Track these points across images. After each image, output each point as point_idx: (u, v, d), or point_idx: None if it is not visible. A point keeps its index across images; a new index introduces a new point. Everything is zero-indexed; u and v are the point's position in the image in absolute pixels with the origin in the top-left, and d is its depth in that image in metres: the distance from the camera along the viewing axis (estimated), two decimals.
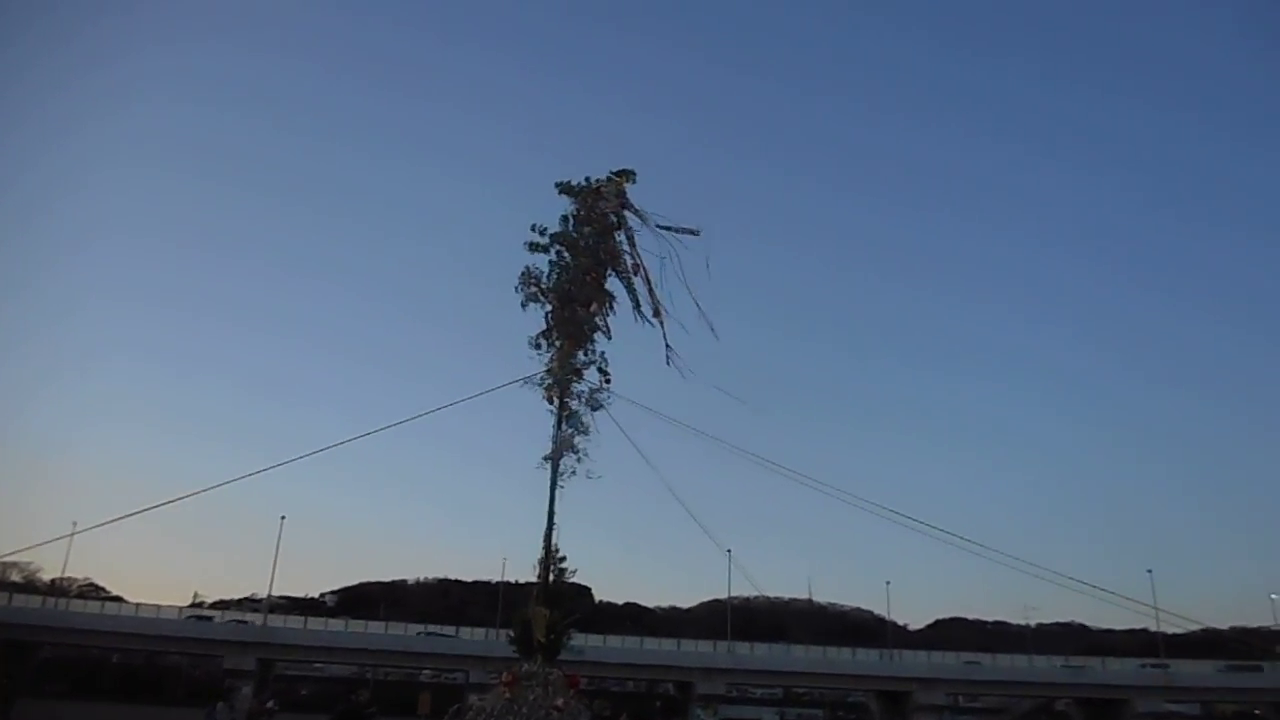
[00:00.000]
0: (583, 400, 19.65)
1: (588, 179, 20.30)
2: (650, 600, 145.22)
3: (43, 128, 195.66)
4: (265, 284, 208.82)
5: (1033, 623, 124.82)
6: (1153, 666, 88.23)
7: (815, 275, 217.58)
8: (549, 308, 19.92)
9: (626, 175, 20.53)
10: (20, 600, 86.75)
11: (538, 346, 19.92)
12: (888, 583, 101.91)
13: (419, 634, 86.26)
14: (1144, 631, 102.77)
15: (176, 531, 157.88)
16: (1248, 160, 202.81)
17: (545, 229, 20.29)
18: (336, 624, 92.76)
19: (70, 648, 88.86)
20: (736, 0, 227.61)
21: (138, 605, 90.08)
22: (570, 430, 19.18)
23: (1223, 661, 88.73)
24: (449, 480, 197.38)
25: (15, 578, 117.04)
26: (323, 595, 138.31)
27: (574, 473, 19.04)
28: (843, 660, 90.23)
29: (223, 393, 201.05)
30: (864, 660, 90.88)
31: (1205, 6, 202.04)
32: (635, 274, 19.98)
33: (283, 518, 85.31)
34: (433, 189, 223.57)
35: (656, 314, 19.93)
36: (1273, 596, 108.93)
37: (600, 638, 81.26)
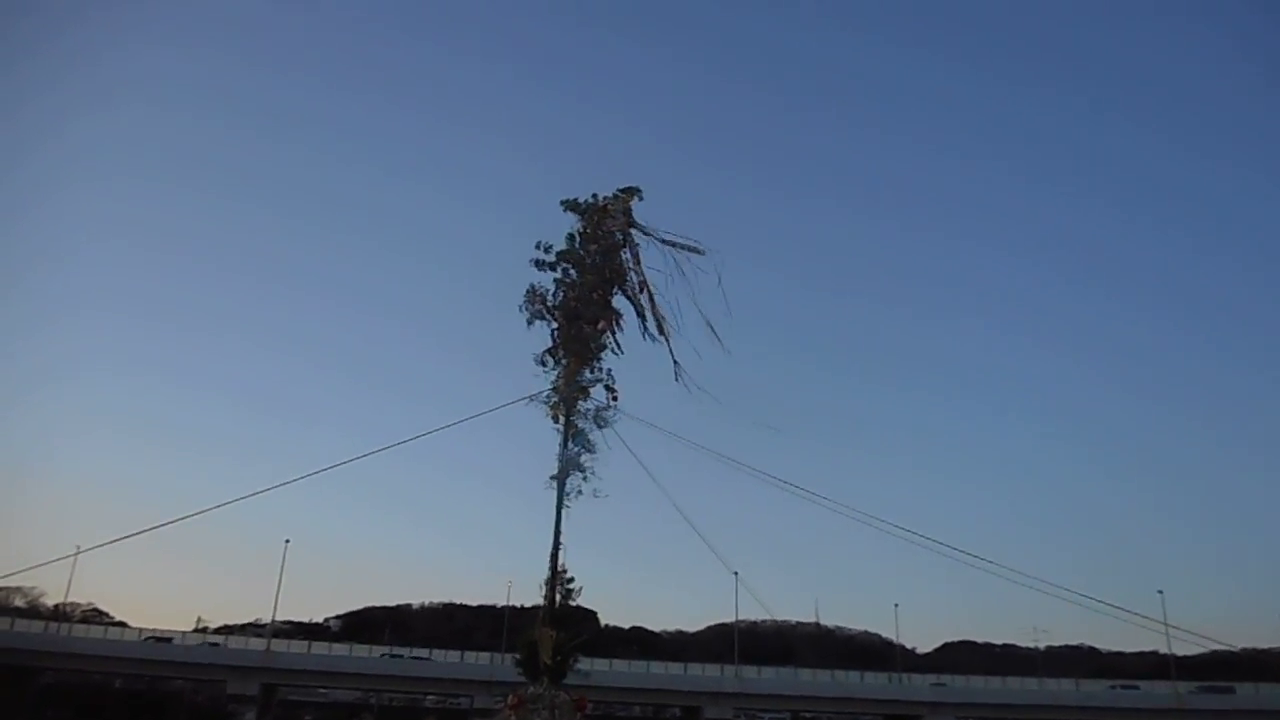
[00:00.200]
0: (589, 418, 19.61)
1: (595, 196, 20.33)
2: (656, 624, 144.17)
3: (30, 131, 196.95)
4: (266, 300, 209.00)
5: (1042, 645, 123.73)
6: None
7: (812, 299, 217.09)
8: (555, 325, 19.93)
9: (633, 193, 20.57)
10: (23, 625, 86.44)
11: (544, 364, 19.90)
12: (896, 605, 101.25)
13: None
14: (1154, 654, 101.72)
15: (180, 556, 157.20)
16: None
17: (551, 246, 20.31)
18: (340, 649, 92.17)
19: (73, 673, 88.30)
20: (740, 27, 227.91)
21: (140, 630, 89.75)
22: (577, 449, 19.06)
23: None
24: (453, 503, 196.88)
25: (18, 603, 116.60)
26: (327, 620, 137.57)
27: (580, 492, 18.93)
28: (851, 684, 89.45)
29: (225, 412, 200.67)
30: (873, 684, 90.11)
31: (1204, 29, 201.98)
32: (641, 291, 19.99)
33: (287, 541, 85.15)
34: (435, 207, 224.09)
35: (661, 331, 19.91)
36: None
37: (606, 662, 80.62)
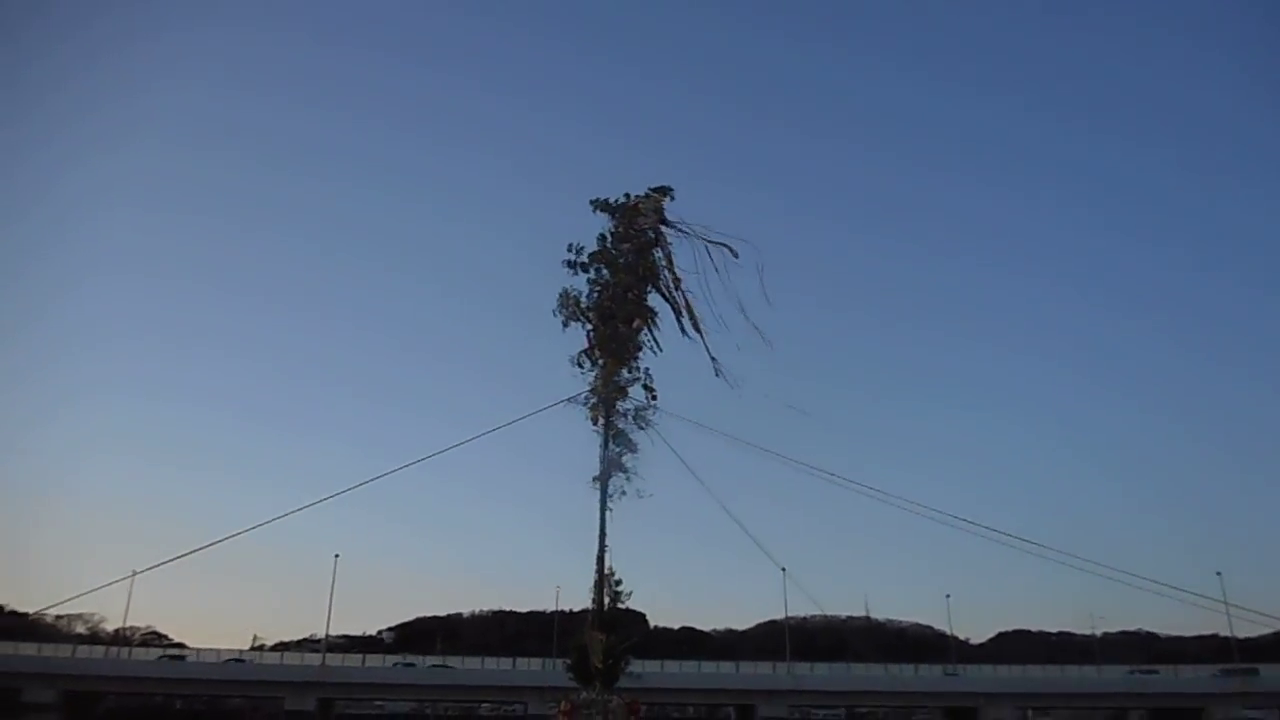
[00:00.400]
0: (629, 418, 19.48)
1: (627, 195, 20.18)
2: (705, 623, 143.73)
3: (52, 163, 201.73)
4: (302, 327, 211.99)
5: (1098, 632, 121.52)
6: (1230, 672, 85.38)
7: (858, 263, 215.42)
8: (590, 327, 19.81)
9: (665, 192, 20.41)
10: (84, 651, 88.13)
11: (580, 365, 19.79)
12: (948, 596, 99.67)
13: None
14: (1215, 637, 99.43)
15: (233, 576, 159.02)
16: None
17: (582, 248, 20.24)
18: (394, 660, 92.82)
19: (135, 695, 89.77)
20: (752, 44, 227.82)
21: (198, 651, 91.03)
22: (618, 449, 18.97)
23: None
24: (498, 512, 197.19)
25: (80, 629, 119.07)
26: (380, 632, 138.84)
27: (624, 493, 18.81)
28: (906, 677, 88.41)
29: (270, 436, 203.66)
30: (927, 676, 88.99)
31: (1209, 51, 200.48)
32: (676, 289, 19.83)
33: (336, 556, 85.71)
34: (455, 232, 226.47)
35: (697, 328, 19.74)
36: None
37: (658, 663, 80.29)
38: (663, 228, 20.38)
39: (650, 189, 20.49)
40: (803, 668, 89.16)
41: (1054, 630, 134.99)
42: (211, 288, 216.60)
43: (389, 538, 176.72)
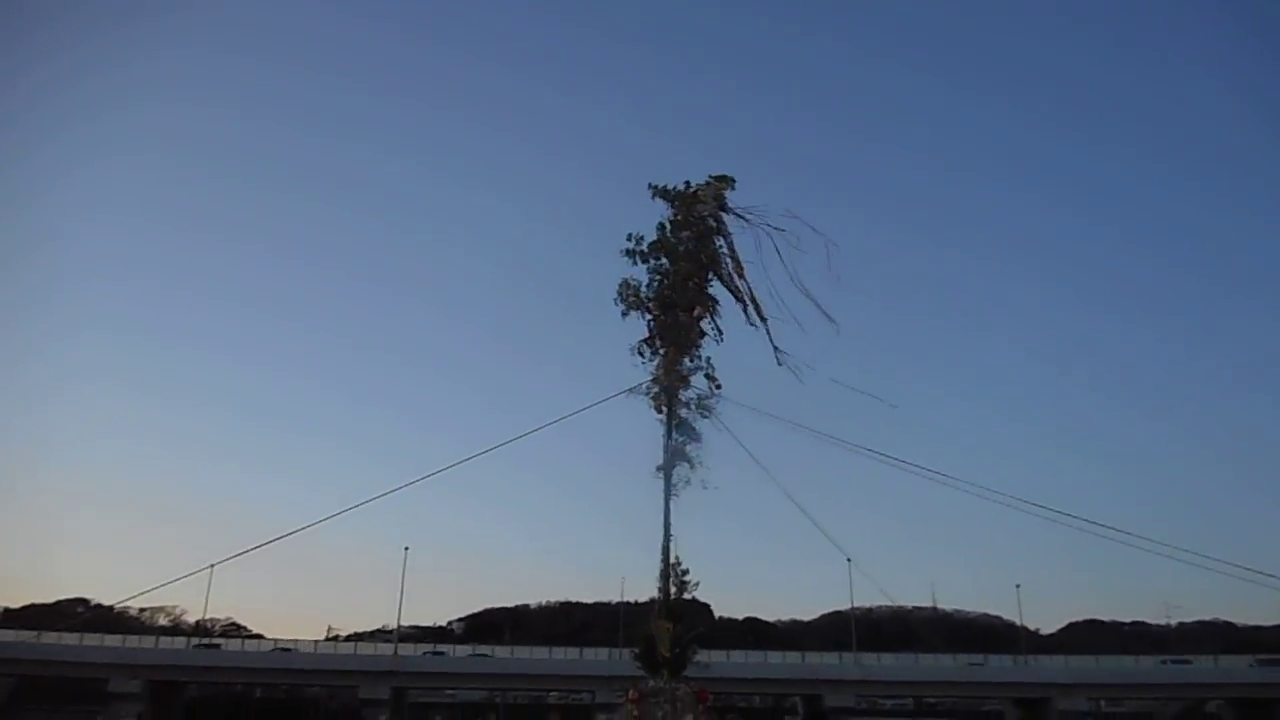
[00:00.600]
0: (692, 407, 19.55)
1: (687, 183, 20.22)
2: (769, 613, 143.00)
3: (51, 162, 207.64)
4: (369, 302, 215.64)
5: (1174, 622, 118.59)
6: None
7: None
8: (650, 316, 19.90)
9: (726, 181, 20.36)
10: (166, 642, 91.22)
11: (641, 354, 19.88)
12: (1018, 586, 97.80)
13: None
14: None
15: (308, 569, 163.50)
16: None
17: (642, 237, 20.30)
18: (464, 650, 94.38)
19: (216, 685, 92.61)
20: (787, 44, 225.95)
21: (276, 641, 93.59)
22: (682, 439, 19.05)
23: None
24: (564, 503, 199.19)
25: (163, 621, 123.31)
26: (450, 623, 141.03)
27: (688, 482, 18.89)
28: (975, 668, 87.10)
29: (341, 431, 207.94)
30: (998, 667, 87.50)
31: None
32: (739, 277, 19.81)
33: (406, 549, 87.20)
34: (515, 221, 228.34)
35: (760, 316, 19.69)
36: None
37: (724, 654, 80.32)
38: (723, 215, 20.33)
39: (711, 176, 20.50)
40: (870, 658, 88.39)
41: (1127, 620, 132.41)
42: (293, 260, 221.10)
43: (457, 529, 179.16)
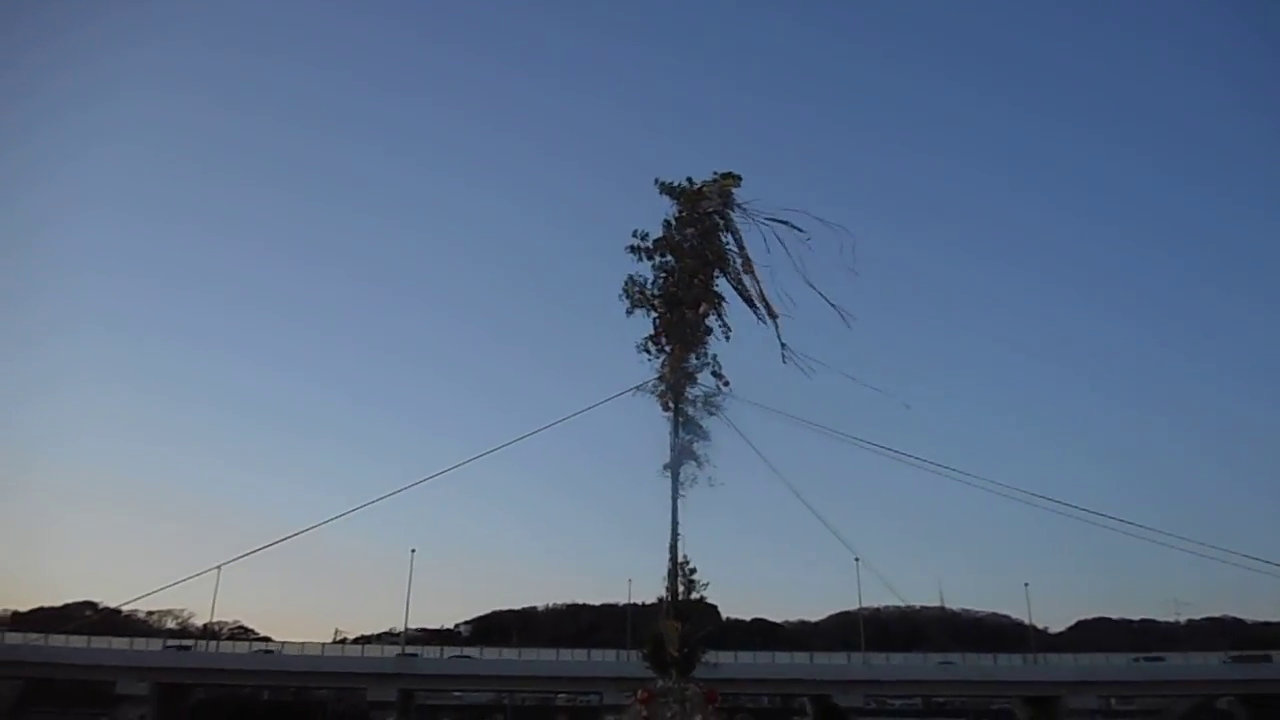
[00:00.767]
0: (699, 405, 19.39)
1: (689, 180, 20.06)
2: (777, 614, 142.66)
3: (48, 151, 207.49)
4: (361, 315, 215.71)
5: (1182, 619, 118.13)
6: None
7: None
8: (656, 314, 19.73)
9: (733, 178, 20.19)
10: (174, 644, 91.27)
11: (647, 352, 19.71)
12: (1026, 585, 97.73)
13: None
14: None
15: (315, 571, 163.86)
16: None
17: (647, 234, 20.14)
18: (472, 652, 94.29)
19: (223, 688, 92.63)
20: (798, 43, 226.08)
21: (283, 644, 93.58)
22: (689, 437, 18.89)
23: None
24: (569, 504, 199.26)
25: (170, 624, 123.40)
26: (457, 625, 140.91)
27: (695, 480, 18.74)
28: (984, 667, 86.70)
29: (345, 432, 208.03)
30: (1007, 666, 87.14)
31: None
32: (747, 273, 19.63)
33: (413, 550, 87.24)
34: (521, 223, 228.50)
35: (770, 313, 19.51)
36: None
37: (731, 654, 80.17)
38: (729, 212, 20.15)
39: (716, 174, 20.33)
40: (878, 658, 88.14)
41: (1136, 618, 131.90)
42: (294, 258, 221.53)
43: (463, 531, 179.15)
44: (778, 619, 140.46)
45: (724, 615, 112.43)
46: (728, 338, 20.22)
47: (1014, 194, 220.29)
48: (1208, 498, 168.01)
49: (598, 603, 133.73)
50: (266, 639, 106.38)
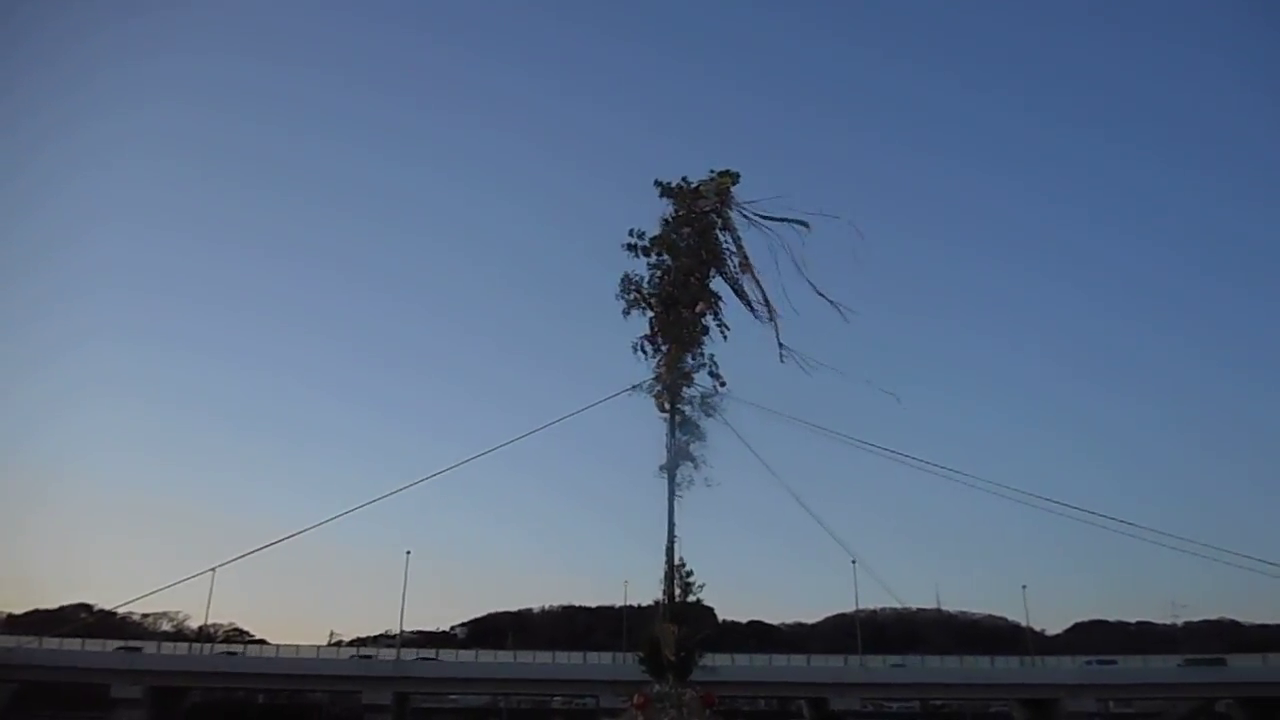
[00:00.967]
0: (696, 405, 19.18)
1: (685, 179, 19.87)
2: (774, 616, 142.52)
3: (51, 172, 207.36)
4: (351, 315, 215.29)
5: (1180, 621, 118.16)
6: None
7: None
8: (652, 313, 19.52)
9: (730, 176, 19.97)
10: (169, 647, 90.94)
11: (643, 351, 19.48)
12: (1024, 587, 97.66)
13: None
14: None
15: (310, 574, 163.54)
16: None
17: (644, 233, 19.93)
18: (467, 655, 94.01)
19: (219, 690, 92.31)
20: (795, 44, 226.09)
21: (278, 647, 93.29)
22: (685, 437, 18.69)
23: None
24: (564, 506, 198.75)
25: (166, 626, 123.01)
26: (453, 628, 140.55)
27: (692, 481, 18.54)
28: (982, 669, 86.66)
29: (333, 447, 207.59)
30: (1004, 668, 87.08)
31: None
32: (744, 273, 19.44)
33: (408, 553, 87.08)
34: (519, 224, 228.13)
35: (769, 313, 19.32)
36: None
37: (728, 657, 79.95)
38: (727, 210, 19.94)
39: (714, 171, 20.12)
40: (875, 660, 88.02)
41: (1133, 620, 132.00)
42: (293, 263, 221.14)
43: (458, 533, 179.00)
44: (774, 621, 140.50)
45: (720, 617, 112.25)
46: (725, 337, 19.97)
47: (1014, 192, 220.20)
48: (1208, 498, 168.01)
49: (593, 605, 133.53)
50: (261, 642, 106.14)
